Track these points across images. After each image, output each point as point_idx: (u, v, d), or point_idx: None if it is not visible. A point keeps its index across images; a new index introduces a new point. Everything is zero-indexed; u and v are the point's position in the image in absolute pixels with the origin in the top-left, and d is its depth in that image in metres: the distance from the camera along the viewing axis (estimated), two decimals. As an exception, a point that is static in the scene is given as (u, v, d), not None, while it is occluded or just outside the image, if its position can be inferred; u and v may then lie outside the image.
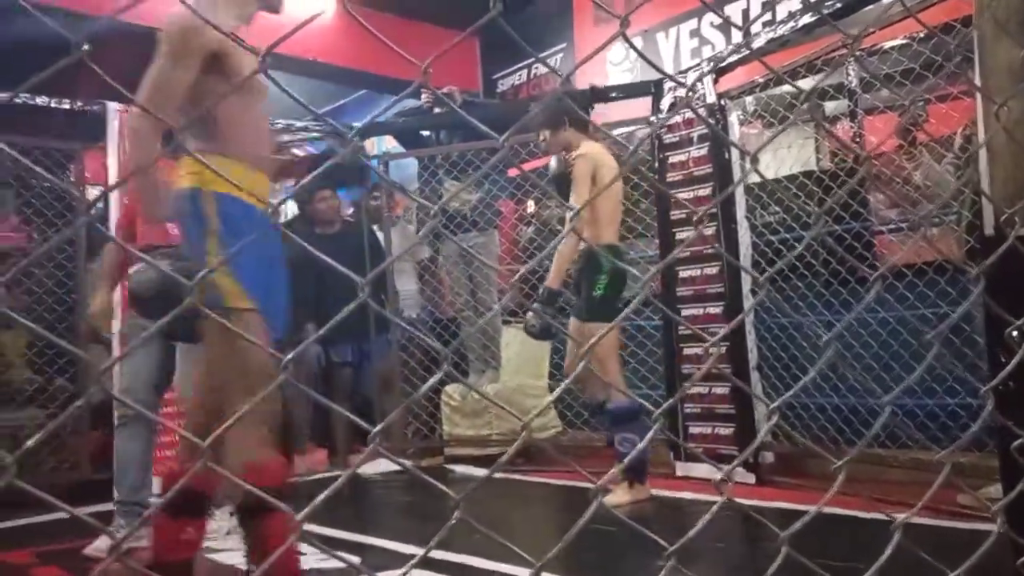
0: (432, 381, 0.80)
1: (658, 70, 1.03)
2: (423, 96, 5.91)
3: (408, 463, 4.53)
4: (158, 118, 1.79)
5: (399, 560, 2.59)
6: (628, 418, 3.28)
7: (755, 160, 0.89)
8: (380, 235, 5.12)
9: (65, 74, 0.75)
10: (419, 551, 2.57)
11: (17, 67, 0.83)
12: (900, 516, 1.01)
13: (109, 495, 4.01)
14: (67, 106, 4.34)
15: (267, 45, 0.84)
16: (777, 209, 3.95)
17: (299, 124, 5.01)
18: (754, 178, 4.05)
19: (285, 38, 0.88)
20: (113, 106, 4.36)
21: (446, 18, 6.33)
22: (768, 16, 5.49)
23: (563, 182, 3.63)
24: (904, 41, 3.42)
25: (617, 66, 6.61)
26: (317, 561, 2.63)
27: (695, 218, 3.72)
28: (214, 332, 1.84)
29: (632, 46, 0.93)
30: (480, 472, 4.06)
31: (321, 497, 0.94)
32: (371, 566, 2.46)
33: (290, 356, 0.81)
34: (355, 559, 2.58)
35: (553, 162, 3.98)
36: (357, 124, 5.28)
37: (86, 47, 0.73)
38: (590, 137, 3.52)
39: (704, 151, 3.99)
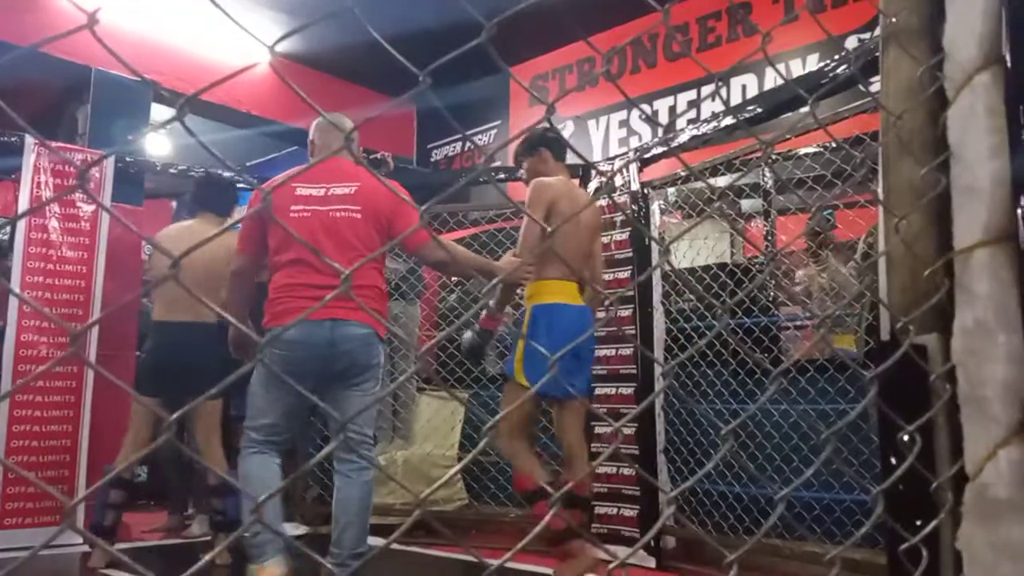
0: (325, 451, 0.78)
1: (580, 157, 1.06)
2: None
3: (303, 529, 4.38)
4: None
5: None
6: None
7: (667, 251, 0.92)
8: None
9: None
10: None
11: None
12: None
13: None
14: (-19, 135, 4.20)
15: (194, 90, 0.83)
16: (691, 297, 4.07)
17: (227, 174, 4.95)
18: (673, 264, 4.18)
19: (211, 87, 0.87)
20: (30, 140, 4.23)
21: (384, 84, 6.41)
22: (693, 114, 5.76)
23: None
24: (817, 149, 3.63)
25: (548, 146, 6.79)
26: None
27: (607, 301, 3.81)
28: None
29: (556, 131, 0.96)
30: (380, 541, 3.95)
31: (205, 559, 0.90)
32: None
33: (175, 415, 0.78)
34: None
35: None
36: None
37: None
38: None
39: (625, 235, 4.10)
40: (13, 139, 4.23)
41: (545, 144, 3.32)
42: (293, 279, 2.69)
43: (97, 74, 5.54)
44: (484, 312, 3.17)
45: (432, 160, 7.76)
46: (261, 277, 3.04)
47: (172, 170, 5.09)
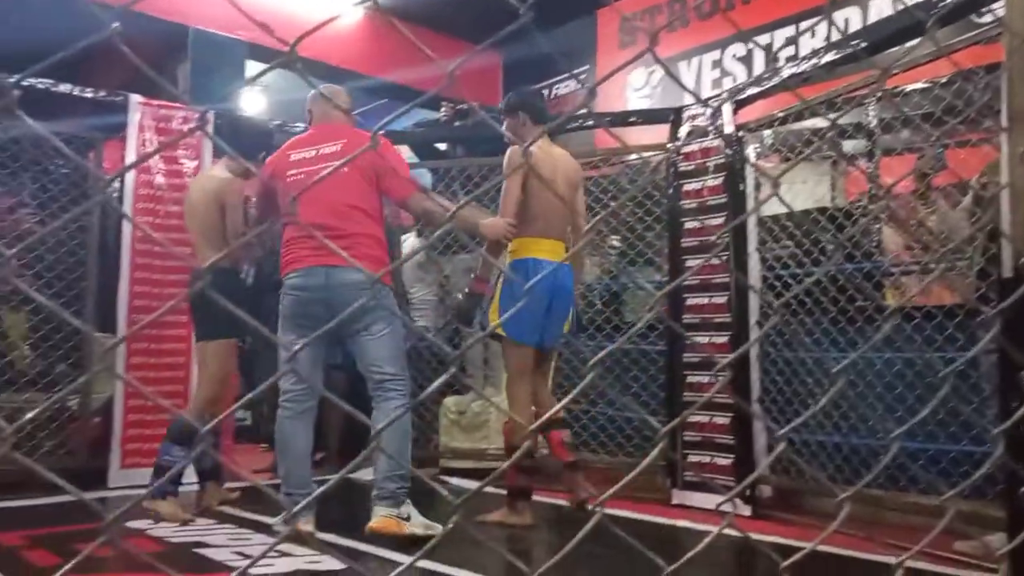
0: (440, 381, 0.79)
1: (683, 88, 1.03)
2: (442, 109, 5.94)
3: (420, 472, 4.52)
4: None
5: (389, 568, 2.57)
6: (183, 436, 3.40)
7: (777, 184, 0.89)
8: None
9: (91, 63, 0.76)
10: (409, 559, 2.56)
11: (43, 58, 0.84)
12: (899, 558, 1.00)
13: (104, 483, 4.02)
14: (90, 95, 4.37)
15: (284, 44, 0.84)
16: (789, 243, 3.94)
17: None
18: (767, 211, 4.04)
19: (310, 33, 0.88)
20: (135, 98, 4.39)
21: (474, 33, 6.37)
22: (791, 51, 5.51)
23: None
24: (925, 85, 3.43)
25: (637, 91, 6.64)
26: (306, 563, 2.62)
27: (714, 239, 3.74)
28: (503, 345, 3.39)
29: (659, 62, 0.93)
30: (473, 485, 4.03)
31: (313, 495, 0.93)
32: (361, 573, 2.45)
33: (294, 351, 0.81)
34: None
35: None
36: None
37: (116, 24, 0.73)
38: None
39: (720, 181, 3.98)
40: (118, 98, 4.40)
41: (523, 107, 3.45)
42: (297, 233, 3.07)
43: (194, 33, 5.69)
44: (472, 276, 3.45)
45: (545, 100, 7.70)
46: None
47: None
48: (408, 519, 2.92)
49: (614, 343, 4.43)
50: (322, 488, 0.82)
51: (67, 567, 0.66)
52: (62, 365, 4.22)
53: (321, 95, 3.26)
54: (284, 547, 2.74)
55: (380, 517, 2.88)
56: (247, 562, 2.61)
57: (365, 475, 4.36)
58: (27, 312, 4.23)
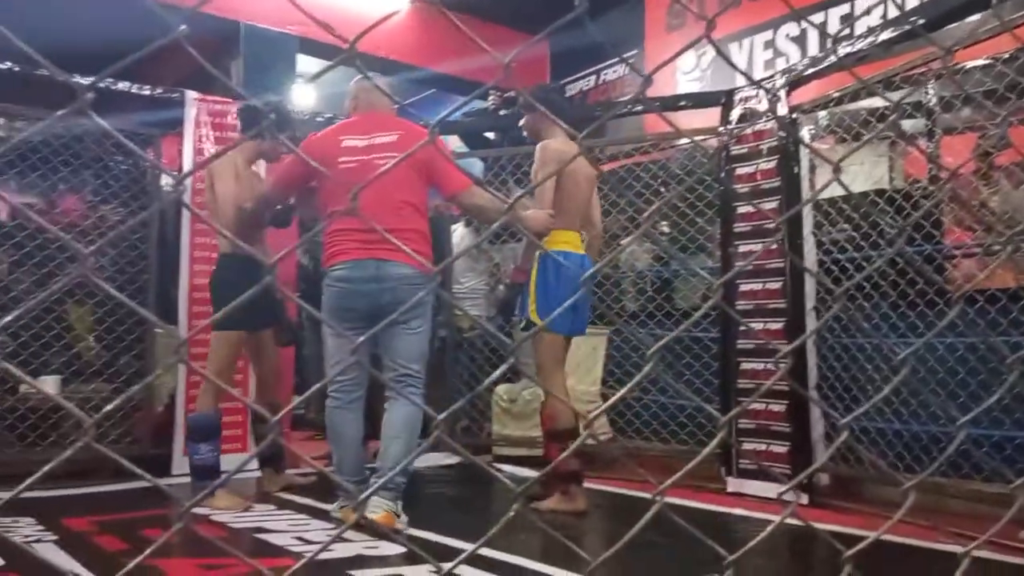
0: (499, 371, 0.80)
1: (739, 71, 1.02)
2: (490, 98, 5.95)
3: (477, 459, 4.59)
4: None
5: (444, 554, 2.60)
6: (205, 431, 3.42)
7: (838, 169, 0.87)
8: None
9: (146, 61, 0.78)
10: (465, 545, 2.59)
11: (102, 56, 0.86)
12: (963, 548, 0.98)
13: (166, 470, 4.13)
14: (147, 92, 4.47)
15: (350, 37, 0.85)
16: (845, 226, 3.86)
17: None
18: (822, 194, 3.96)
19: (369, 30, 0.89)
20: (191, 94, 4.48)
21: (520, 21, 6.36)
22: (847, 30, 5.38)
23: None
24: (987, 61, 3.32)
25: (687, 75, 6.55)
26: (363, 548, 2.66)
27: (772, 224, 3.67)
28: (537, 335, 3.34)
29: (716, 47, 0.92)
30: (526, 472, 4.06)
31: (380, 482, 0.95)
32: (416, 560, 2.48)
33: (356, 344, 0.83)
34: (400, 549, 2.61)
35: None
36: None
37: (183, 27, 0.75)
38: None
39: (773, 164, 3.91)
40: (175, 95, 4.50)
41: (542, 102, 3.43)
42: (344, 225, 3.02)
43: (246, 28, 5.78)
44: (513, 267, 3.50)
45: (566, 95, 7.66)
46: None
47: (319, 119, 5.28)
48: (399, 515, 2.93)
49: (666, 330, 4.42)
50: (386, 477, 0.84)
51: (146, 552, 0.68)
52: (126, 356, 4.35)
53: (369, 85, 3.20)
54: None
55: (384, 511, 2.84)
56: (308, 547, 2.68)
57: (422, 461, 4.43)
58: (92, 305, 4.36)
